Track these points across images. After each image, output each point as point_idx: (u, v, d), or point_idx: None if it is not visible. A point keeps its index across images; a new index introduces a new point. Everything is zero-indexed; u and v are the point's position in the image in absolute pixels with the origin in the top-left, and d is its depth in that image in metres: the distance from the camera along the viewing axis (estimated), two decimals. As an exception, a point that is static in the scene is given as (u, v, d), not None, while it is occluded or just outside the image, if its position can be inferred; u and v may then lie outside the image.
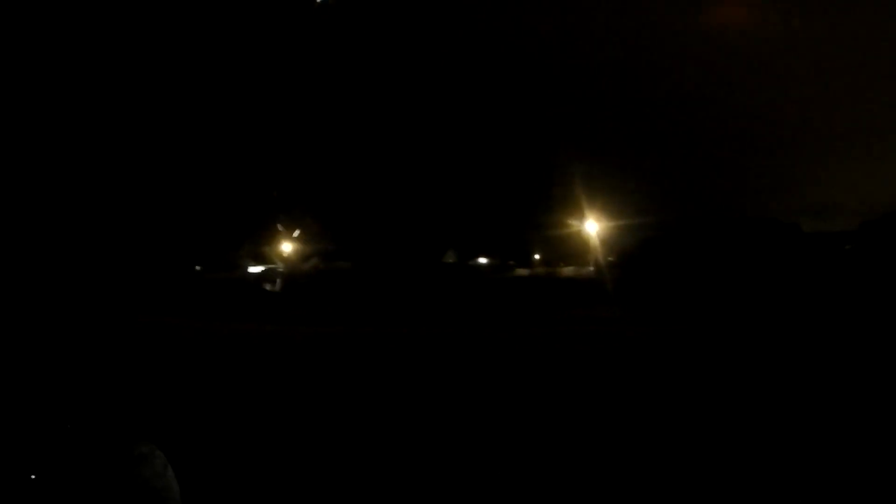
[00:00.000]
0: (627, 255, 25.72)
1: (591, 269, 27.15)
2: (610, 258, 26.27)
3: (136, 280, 23.15)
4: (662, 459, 5.33)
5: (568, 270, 29.12)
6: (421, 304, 20.32)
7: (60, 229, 22.29)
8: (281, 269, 29.54)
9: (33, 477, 1.63)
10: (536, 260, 32.03)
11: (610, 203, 25.75)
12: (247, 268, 30.25)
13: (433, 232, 31.04)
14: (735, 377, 8.74)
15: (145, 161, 25.23)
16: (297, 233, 29.23)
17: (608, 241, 26.35)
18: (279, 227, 28.72)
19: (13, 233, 20.21)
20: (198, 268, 29.59)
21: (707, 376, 8.89)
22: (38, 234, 21.21)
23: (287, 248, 29.64)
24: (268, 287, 27.68)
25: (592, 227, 26.51)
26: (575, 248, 28.03)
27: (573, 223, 26.65)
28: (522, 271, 31.58)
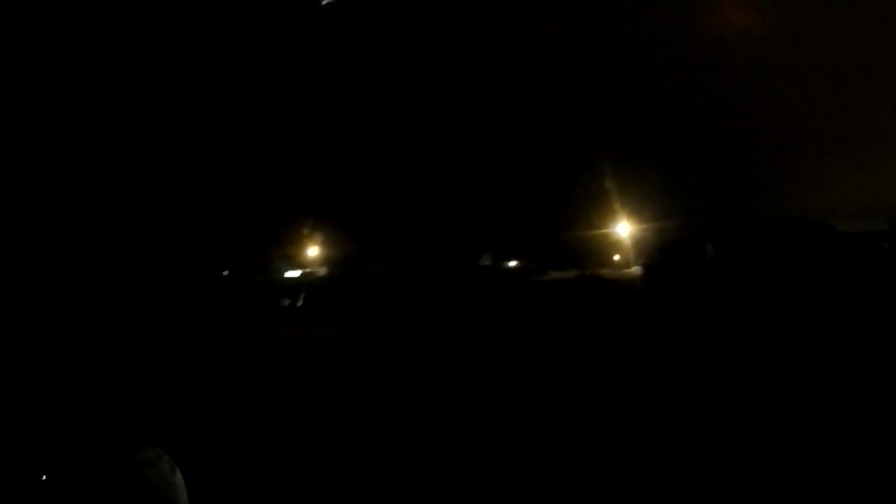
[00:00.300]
0: (660, 257, 25.54)
1: (624, 271, 26.96)
2: (642, 260, 26.07)
3: (151, 283, 23.27)
4: (710, 463, 5.28)
5: (602, 272, 28.89)
6: (461, 308, 20.21)
7: (73, 232, 22.51)
8: (318, 273, 29.50)
9: (43, 478, 1.66)
10: (570, 261, 31.79)
11: (642, 205, 25.59)
12: (283, 272, 30.20)
13: (470, 234, 30.85)
14: (771, 379, 8.61)
15: (166, 163, 25.40)
16: (323, 235, 29.22)
17: (640, 244, 26.16)
18: (306, 229, 28.67)
19: (31, 234, 20.45)
20: (225, 272, 29.56)
21: (743, 379, 8.76)
22: (53, 237, 21.44)
23: (314, 251, 29.61)
24: (292, 291, 27.63)
25: (624, 228, 26.36)
26: (607, 250, 27.88)
27: (605, 225, 26.51)
28: (558, 273, 31.31)
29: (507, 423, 6.86)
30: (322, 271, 29.72)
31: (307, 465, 5.42)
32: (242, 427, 6.58)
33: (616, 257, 27.80)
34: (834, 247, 20.46)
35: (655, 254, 26.12)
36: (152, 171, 24.98)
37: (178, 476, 1.87)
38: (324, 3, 19.49)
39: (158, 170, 25.06)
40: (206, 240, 26.65)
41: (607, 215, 26.06)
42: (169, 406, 7.41)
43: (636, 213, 26.01)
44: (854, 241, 20.64)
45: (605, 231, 26.81)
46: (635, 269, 26.07)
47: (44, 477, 1.63)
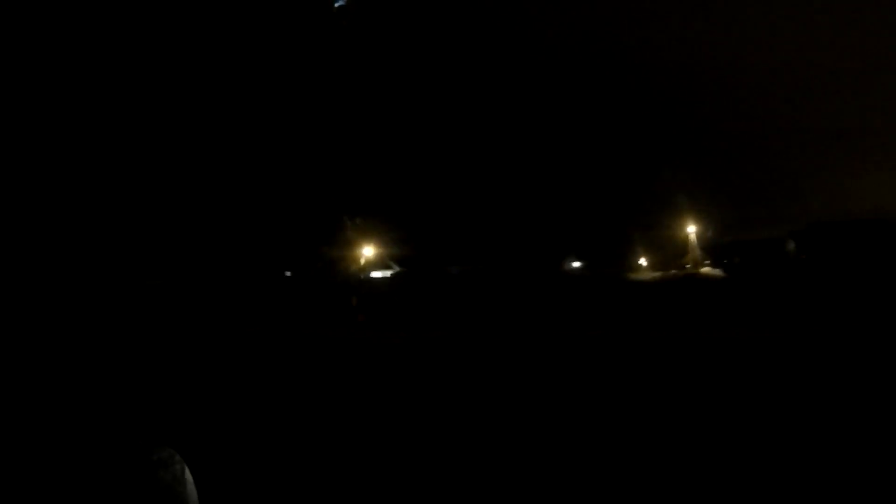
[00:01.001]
0: (742, 257, 25.29)
1: (703, 271, 26.59)
2: (723, 262, 25.72)
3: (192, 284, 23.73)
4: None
5: (683, 273, 28.47)
6: (546, 308, 19.98)
7: (116, 233, 22.71)
8: (404, 273, 29.73)
9: (55, 476, 1.91)
10: (643, 263, 31.32)
11: (717, 207, 25.29)
12: (368, 272, 30.46)
13: (554, 238, 30.61)
14: (854, 382, 8.32)
15: (243, 167, 25.32)
16: (412, 237, 29.24)
17: (715, 246, 25.83)
18: (357, 222, 28.21)
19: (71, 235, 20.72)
20: (287, 273, 29.44)
21: (830, 382, 8.45)
22: (93, 240, 21.76)
23: (369, 251, 29.45)
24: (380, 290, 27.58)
25: (695, 230, 26.04)
26: (682, 252, 27.54)
27: (680, 227, 26.26)
28: (635, 275, 30.93)
29: (596, 419, 6.68)
30: (408, 271, 30.02)
31: (341, 470, 5.35)
32: (260, 429, 6.34)
33: (693, 258, 27.45)
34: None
35: (737, 254, 25.85)
36: (229, 175, 25.03)
37: (189, 476, 2.00)
38: (337, 4, 19.62)
39: (236, 174, 25.09)
40: (267, 240, 26.37)
41: (682, 217, 25.82)
42: (183, 408, 7.37)
43: (716, 215, 25.69)
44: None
45: (678, 232, 26.56)
46: (716, 270, 25.70)
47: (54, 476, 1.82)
